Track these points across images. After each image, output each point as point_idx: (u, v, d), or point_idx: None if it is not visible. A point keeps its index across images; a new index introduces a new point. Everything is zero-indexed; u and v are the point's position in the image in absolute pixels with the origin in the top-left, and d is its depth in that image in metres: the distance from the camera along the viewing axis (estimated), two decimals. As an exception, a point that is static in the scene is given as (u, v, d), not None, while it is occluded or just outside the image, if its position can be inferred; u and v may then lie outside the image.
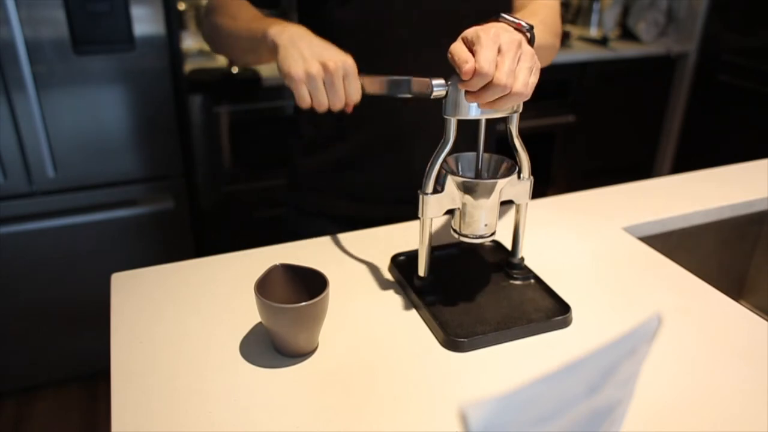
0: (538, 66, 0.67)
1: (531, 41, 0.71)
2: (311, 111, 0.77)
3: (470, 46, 0.65)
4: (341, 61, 0.74)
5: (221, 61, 2.02)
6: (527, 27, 0.70)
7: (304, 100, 0.75)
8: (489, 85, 0.63)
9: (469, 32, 0.66)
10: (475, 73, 0.62)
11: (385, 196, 1.01)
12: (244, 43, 0.88)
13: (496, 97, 0.64)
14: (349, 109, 0.78)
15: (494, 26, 0.67)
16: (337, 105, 0.76)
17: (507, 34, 0.65)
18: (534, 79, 0.66)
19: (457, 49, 0.65)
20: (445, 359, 0.70)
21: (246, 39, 0.87)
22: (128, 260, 1.87)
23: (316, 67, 0.74)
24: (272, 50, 0.78)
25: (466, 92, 0.66)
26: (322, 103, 0.75)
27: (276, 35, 0.78)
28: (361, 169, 1.00)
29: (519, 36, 0.66)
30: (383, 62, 0.94)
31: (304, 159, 1.06)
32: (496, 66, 0.63)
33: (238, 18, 0.91)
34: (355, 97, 0.77)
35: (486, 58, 0.62)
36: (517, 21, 0.70)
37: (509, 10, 0.97)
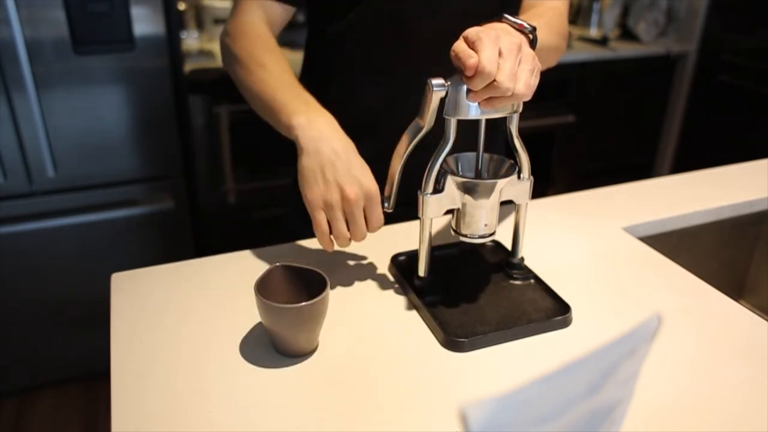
0: (539, 68, 0.67)
1: (533, 42, 0.71)
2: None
3: (471, 46, 0.64)
4: (364, 189, 0.72)
5: (221, 61, 2.02)
6: (529, 28, 0.70)
7: (321, 227, 0.73)
8: (491, 87, 0.64)
9: (471, 32, 0.65)
10: (477, 72, 0.62)
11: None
12: (263, 109, 0.83)
13: (497, 97, 0.65)
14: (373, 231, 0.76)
15: (495, 27, 0.67)
16: (358, 236, 0.74)
17: (508, 37, 0.65)
18: (535, 81, 0.66)
19: (460, 46, 0.65)
20: (445, 359, 0.70)
21: (267, 107, 0.81)
22: (128, 260, 1.87)
23: (336, 195, 0.71)
24: (294, 145, 0.75)
25: (468, 91, 0.66)
26: (341, 234, 0.73)
27: (300, 133, 0.74)
28: None
29: (520, 38, 0.66)
30: (395, 65, 0.94)
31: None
32: (498, 67, 0.63)
33: (257, 63, 0.84)
34: (377, 225, 0.75)
35: (487, 58, 0.62)
36: (519, 22, 0.70)
37: (517, 11, 0.97)
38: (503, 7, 0.93)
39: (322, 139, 0.73)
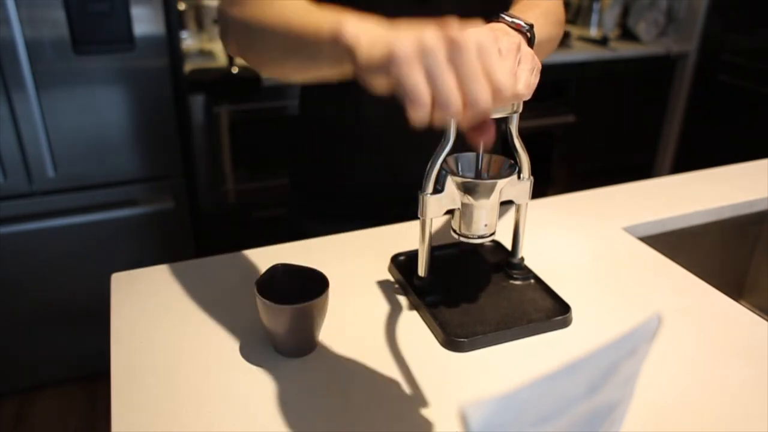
0: (538, 67, 0.67)
1: (531, 41, 0.71)
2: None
3: None
4: (475, 33, 0.50)
5: (221, 61, 2.02)
6: (527, 27, 0.70)
7: (420, 92, 0.47)
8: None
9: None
10: None
11: (390, 198, 1.01)
12: (290, 42, 0.63)
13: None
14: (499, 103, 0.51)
15: (494, 28, 0.66)
16: (481, 95, 0.48)
17: (506, 38, 0.63)
18: (535, 80, 0.66)
19: None
20: (445, 359, 0.70)
21: (295, 36, 0.62)
22: (128, 260, 1.87)
23: (433, 36, 0.48)
24: (347, 52, 0.53)
25: None
26: (448, 93, 0.47)
27: (356, 31, 0.53)
28: (365, 171, 1.00)
29: (518, 38, 0.65)
30: None
31: (308, 161, 1.06)
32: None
33: (275, 5, 0.66)
34: (505, 81, 0.50)
35: None
36: (516, 21, 0.70)
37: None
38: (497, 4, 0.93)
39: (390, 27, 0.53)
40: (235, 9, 0.72)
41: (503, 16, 0.70)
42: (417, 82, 0.47)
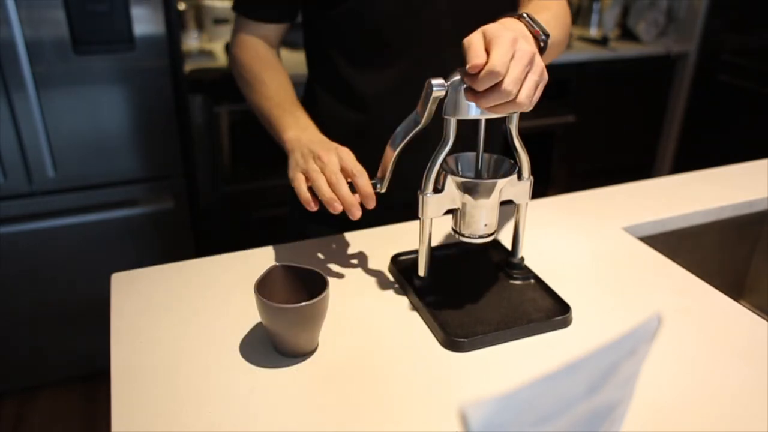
0: (545, 81, 0.66)
1: (543, 50, 0.71)
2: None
3: (487, 43, 0.63)
4: (340, 152, 0.78)
5: (221, 61, 2.03)
6: (544, 37, 0.71)
7: (300, 189, 0.77)
8: (494, 88, 0.62)
9: (491, 29, 0.64)
10: (486, 70, 0.61)
11: (395, 198, 1.01)
12: (263, 120, 0.94)
13: (497, 102, 0.63)
14: (361, 200, 0.76)
15: (515, 29, 0.67)
16: (343, 194, 0.75)
17: (524, 42, 0.64)
18: (537, 95, 0.65)
19: (474, 41, 0.63)
20: (445, 359, 0.70)
21: (266, 121, 0.92)
22: (128, 260, 1.87)
23: (312, 163, 0.78)
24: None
25: (467, 91, 0.66)
26: (321, 188, 0.75)
27: (289, 146, 0.84)
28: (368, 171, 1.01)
29: (534, 48, 0.65)
30: (393, 60, 0.95)
31: None
32: (507, 70, 0.62)
33: (263, 90, 0.94)
34: (365, 191, 0.76)
35: (501, 58, 0.61)
36: (536, 28, 0.70)
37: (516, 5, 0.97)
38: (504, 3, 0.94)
39: (306, 142, 0.82)
40: (235, 51, 1.00)
41: (525, 16, 0.71)
42: (299, 185, 0.77)
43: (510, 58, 0.62)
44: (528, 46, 0.64)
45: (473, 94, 0.65)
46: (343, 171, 0.76)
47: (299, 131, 0.85)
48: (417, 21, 0.92)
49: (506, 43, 0.62)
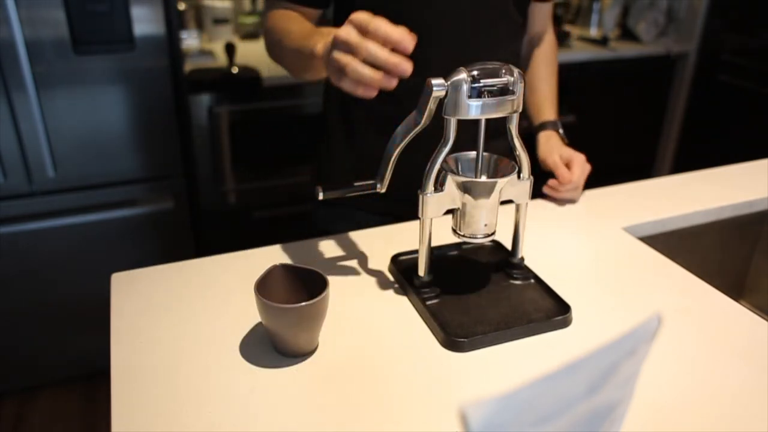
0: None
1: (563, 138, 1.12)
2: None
3: (567, 163, 1.05)
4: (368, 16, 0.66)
5: (221, 61, 2.03)
6: (567, 141, 1.11)
7: (339, 68, 0.65)
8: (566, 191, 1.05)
9: (565, 153, 1.06)
10: (571, 184, 1.04)
11: (395, 197, 1.01)
12: (300, 63, 0.86)
13: (568, 197, 1.07)
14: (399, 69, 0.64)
15: (572, 153, 1.07)
16: (380, 56, 0.64)
17: (587, 164, 1.07)
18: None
19: (559, 163, 1.05)
20: (445, 359, 0.70)
21: (299, 59, 0.84)
22: (128, 260, 1.87)
23: (345, 30, 0.66)
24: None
25: (546, 186, 1.06)
26: (360, 73, 0.64)
27: (321, 50, 0.73)
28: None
29: (583, 156, 1.07)
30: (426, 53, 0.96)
31: (332, 156, 1.07)
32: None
33: (290, 35, 0.89)
34: (397, 37, 0.64)
35: (580, 176, 1.05)
36: (563, 137, 1.12)
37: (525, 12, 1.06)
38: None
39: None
40: (267, 39, 0.99)
41: (561, 132, 1.12)
42: (338, 61, 0.66)
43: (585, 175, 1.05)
44: (587, 165, 1.07)
45: (553, 191, 1.06)
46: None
47: (327, 38, 0.73)
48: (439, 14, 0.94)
49: (581, 163, 1.06)
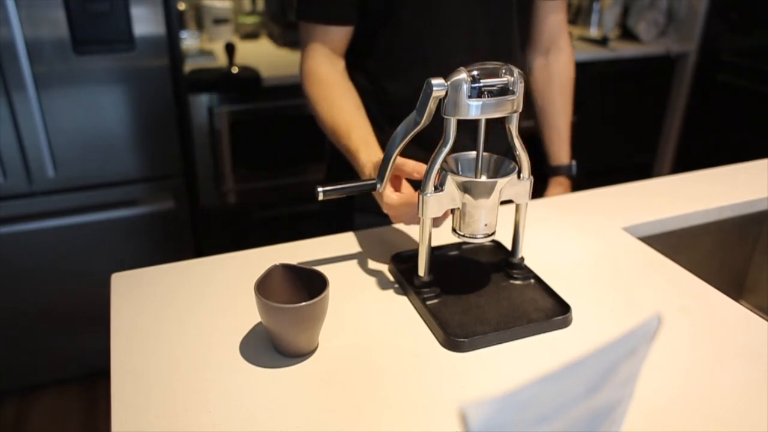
0: None
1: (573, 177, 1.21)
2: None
3: None
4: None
5: (221, 61, 2.03)
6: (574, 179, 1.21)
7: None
8: None
9: None
10: None
11: None
12: (338, 143, 0.95)
13: None
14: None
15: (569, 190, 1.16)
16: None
17: None
18: None
19: None
20: (445, 359, 0.70)
21: (340, 143, 0.94)
22: (128, 260, 1.87)
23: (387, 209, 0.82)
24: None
25: None
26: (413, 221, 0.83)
27: (363, 162, 0.86)
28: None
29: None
30: (425, 52, 1.00)
31: (339, 153, 1.08)
32: None
33: (331, 106, 0.96)
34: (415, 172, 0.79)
35: None
36: (574, 177, 1.21)
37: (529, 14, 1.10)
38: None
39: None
40: (305, 84, 1.01)
41: (569, 177, 1.20)
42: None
43: None
44: None
45: None
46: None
47: (370, 154, 0.87)
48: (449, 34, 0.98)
49: None
